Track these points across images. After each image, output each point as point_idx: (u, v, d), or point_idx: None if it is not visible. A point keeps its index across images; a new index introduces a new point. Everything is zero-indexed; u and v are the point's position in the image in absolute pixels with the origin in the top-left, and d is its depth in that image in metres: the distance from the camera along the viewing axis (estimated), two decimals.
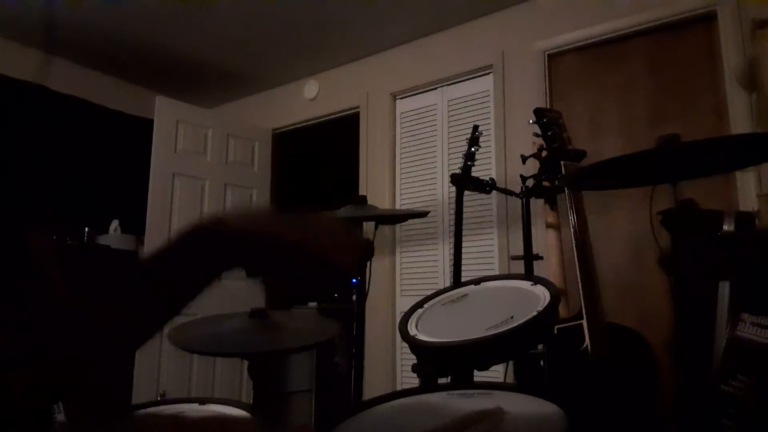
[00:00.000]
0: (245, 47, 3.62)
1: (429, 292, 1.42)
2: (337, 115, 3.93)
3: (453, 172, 2.17)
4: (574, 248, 1.56)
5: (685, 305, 1.37)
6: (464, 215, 2.17)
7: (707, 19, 2.55)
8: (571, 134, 1.77)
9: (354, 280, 1.62)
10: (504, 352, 1.21)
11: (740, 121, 2.36)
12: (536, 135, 1.81)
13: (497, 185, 2.18)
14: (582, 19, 2.86)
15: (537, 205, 2.27)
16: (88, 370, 0.49)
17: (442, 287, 1.56)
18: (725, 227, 1.58)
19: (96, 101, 3.82)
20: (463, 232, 2.17)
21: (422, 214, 1.78)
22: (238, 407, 1.19)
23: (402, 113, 3.56)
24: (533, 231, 2.15)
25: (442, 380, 1.39)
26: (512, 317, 1.11)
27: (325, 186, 4.45)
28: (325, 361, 3.68)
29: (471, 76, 3.27)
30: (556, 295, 1.17)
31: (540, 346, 1.57)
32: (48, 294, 0.48)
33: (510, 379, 1.97)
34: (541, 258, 2.12)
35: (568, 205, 1.61)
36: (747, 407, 1.30)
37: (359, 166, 3.68)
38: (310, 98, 4.03)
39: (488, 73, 3.19)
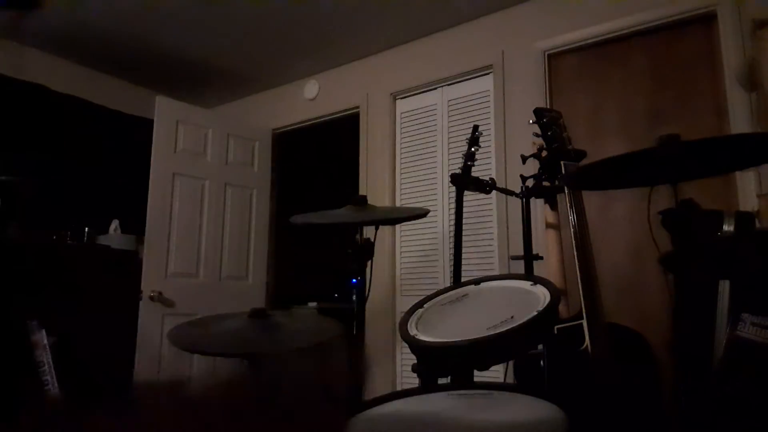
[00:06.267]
0: (245, 47, 3.62)
1: (429, 292, 1.42)
2: (337, 115, 3.93)
3: (453, 172, 2.17)
4: (574, 248, 1.56)
5: (684, 305, 1.37)
6: (464, 215, 2.17)
7: (707, 19, 2.55)
8: (571, 134, 1.77)
9: (354, 280, 1.62)
10: (504, 352, 1.21)
11: (740, 121, 2.36)
12: (536, 135, 1.81)
13: (497, 185, 2.18)
14: (582, 19, 2.86)
15: (537, 205, 2.27)
16: None
17: (442, 287, 1.56)
18: (725, 227, 1.58)
19: (96, 101, 3.82)
20: (463, 232, 2.17)
21: (422, 214, 1.77)
22: None
23: (402, 113, 3.56)
24: (533, 231, 2.15)
25: (442, 380, 1.39)
26: (512, 317, 1.11)
27: (325, 186, 4.46)
28: None
29: (471, 76, 3.27)
30: (556, 295, 1.17)
31: (540, 346, 1.57)
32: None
33: (510, 379, 1.97)
34: (541, 258, 2.12)
35: (568, 205, 1.61)
36: (747, 407, 1.30)
37: (359, 166, 3.68)
38: (310, 98, 4.03)
39: (488, 73, 3.19)
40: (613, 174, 1.37)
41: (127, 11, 3.15)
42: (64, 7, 3.09)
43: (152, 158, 3.45)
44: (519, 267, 2.17)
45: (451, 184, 2.17)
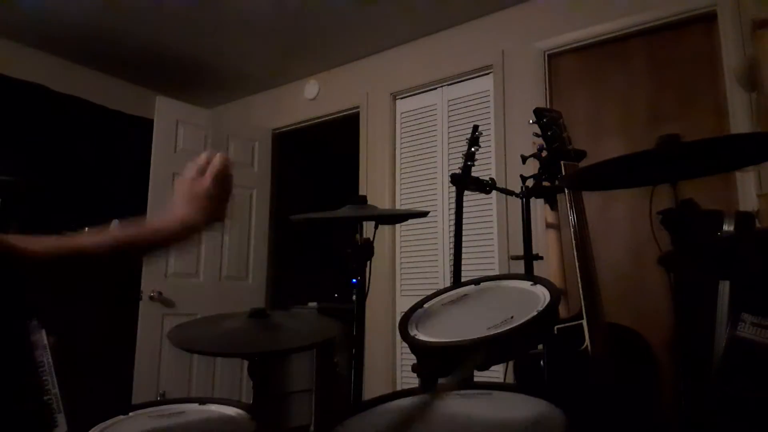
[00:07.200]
0: (245, 47, 3.62)
1: (429, 292, 1.42)
2: (337, 115, 3.93)
3: (453, 172, 2.17)
4: (574, 248, 1.56)
5: (685, 305, 1.37)
6: (464, 215, 2.17)
7: (707, 19, 2.55)
8: (571, 134, 1.77)
9: (354, 280, 1.61)
10: (504, 352, 1.20)
11: (740, 121, 2.36)
12: (536, 135, 1.81)
13: (497, 185, 2.18)
14: (582, 19, 2.86)
15: (537, 205, 2.27)
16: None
17: (442, 287, 1.56)
18: (725, 227, 1.58)
19: (96, 101, 3.82)
20: (463, 232, 2.17)
21: (422, 214, 1.77)
22: (238, 407, 1.19)
23: (402, 113, 3.56)
24: (533, 231, 2.15)
25: (442, 380, 1.39)
26: (512, 317, 1.11)
27: (325, 186, 4.46)
28: (325, 361, 3.68)
29: (471, 76, 3.27)
30: (556, 295, 1.17)
31: (540, 346, 1.57)
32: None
33: (510, 379, 1.97)
34: (541, 258, 2.12)
35: (568, 205, 1.61)
36: (747, 407, 1.30)
37: (359, 166, 3.68)
38: (310, 98, 4.03)
39: (488, 73, 3.19)
40: (614, 174, 1.37)
41: (127, 11, 3.15)
42: (63, 6, 3.09)
43: (152, 158, 3.45)
44: (519, 267, 2.17)
45: (451, 184, 2.17)
